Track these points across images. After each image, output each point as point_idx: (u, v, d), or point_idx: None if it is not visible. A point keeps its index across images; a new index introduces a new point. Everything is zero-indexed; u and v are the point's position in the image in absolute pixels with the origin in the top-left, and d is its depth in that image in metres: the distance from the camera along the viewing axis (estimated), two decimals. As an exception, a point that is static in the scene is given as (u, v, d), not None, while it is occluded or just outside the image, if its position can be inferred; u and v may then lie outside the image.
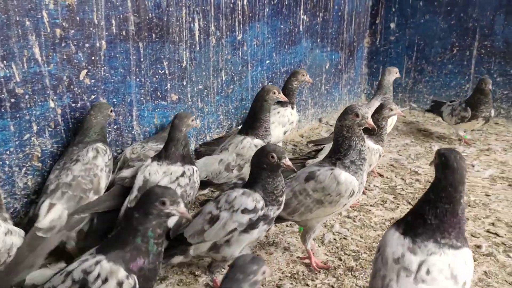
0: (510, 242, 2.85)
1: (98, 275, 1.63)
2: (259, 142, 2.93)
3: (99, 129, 2.66)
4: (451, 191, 1.70)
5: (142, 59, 3.02)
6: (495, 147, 4.63)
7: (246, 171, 2.83)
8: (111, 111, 2.73)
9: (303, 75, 3.87)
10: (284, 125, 3.78)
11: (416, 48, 6.03)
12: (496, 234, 2.95)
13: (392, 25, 6.19)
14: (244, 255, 1.52)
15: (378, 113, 3.20)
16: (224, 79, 3.83)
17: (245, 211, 2.11)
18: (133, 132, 3.08)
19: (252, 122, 3.02)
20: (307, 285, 2.46)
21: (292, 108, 3.82)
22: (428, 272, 1.66)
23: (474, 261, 2.66)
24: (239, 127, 3.33)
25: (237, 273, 1.44)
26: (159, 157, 2.58)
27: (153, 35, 3.07)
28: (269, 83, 4.44)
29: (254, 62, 4.18)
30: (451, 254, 1.69)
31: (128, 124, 3.04)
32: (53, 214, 2.29)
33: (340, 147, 2.35)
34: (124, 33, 2.86)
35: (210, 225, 2.16)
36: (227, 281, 1.45)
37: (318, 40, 5.18)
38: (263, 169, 2.14)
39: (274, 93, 3.05)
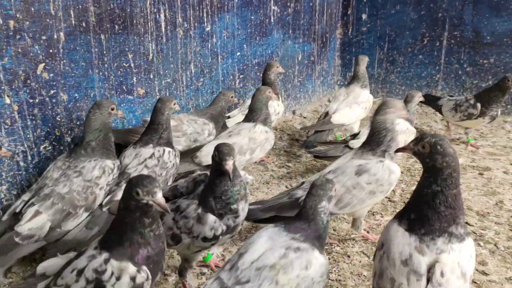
0: (480, 231, 2.87)
1: (112, 274, 1.62)
2: (267, 129, 3.25)
3: (104, 130, 2.51)
4: (456, 176, 1.68)
5: (105, 52, 2.90)
6: (466, 136, 4.68)
7: (256, 154, 3.20)
8: (112, 109, 2.54)
9: (277, 66, 3.92)
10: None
11: (387, 39, 6.04)
12: (467, 223, 2.97)
13: (364, 16, 6.18)
14: (321, 178, 1.87)
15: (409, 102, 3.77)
16: (193, 72, 3.73)
17: (205, 239, 2.03)
18: (97, 128, 2.96)
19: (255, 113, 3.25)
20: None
21: (278, 99, 3.81)
22: (442, 274, 1.60)
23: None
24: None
25: (318, 190, 1.78)
26: (138, 141, 2.69)
27: (116, 26, 2.95)
28: (240, 76, 4.37)
29: (225, 54, 4.09)
30: (458, 249, 1.64)
31: (92, 120, 2.91)
32: (35, 223, 2.18)
33: (384, 139, 2.48)
34: (84, 24, 2.73)
35: (175, 243, 2.08)
36: (311, 198, 1.78)
37: (290, 32, 5.12)
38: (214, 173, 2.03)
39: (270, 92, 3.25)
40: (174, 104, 2.75)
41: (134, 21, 3.07)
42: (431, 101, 4.74)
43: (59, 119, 2.70)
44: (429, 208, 1.68)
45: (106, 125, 2.52)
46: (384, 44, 6.06)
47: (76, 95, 2.78)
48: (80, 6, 2.68)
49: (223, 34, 4.02)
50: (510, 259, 2.58)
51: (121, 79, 3.06)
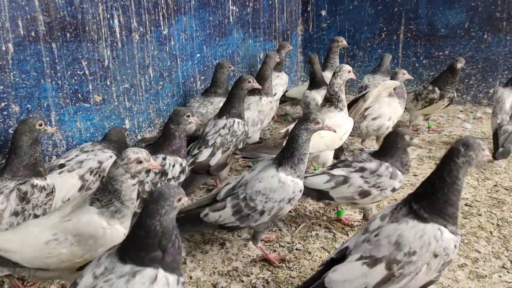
0: (434, 220, 2.99)
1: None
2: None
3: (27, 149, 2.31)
4: None
5: (57, 61, 2.85)
6: (423, 127, 4.84)
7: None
8: (39, 125, 2.36)
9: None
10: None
11: (347, 34, 6.15)
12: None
13: (323, 12, 6.27)
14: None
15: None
16: (152, 76, 3.71)
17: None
18: (53, 138, 2.92)
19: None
20: (242, 281, 2.46)
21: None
22: None
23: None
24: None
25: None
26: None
27: (68, 34, 2.90)
28: (201, 77, 4.38)
29: (184, 56, 4.09)
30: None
31: (47, 130, 2.87)
32: None
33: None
34: (33, 34, 2.68)
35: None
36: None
37: (250, 30, 5.15)
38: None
39: (250, 82, 3.41)
40: (250, 82, 3.35)
41: (87, 28, 3.03)
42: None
43: (11, 132, 2.65)
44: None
45: (34, 142, 2.33)
46: (344, 39, 6.17)
47: (29, 106, 2.73)
48: (28, 16, 2.63)
49: (181, 37, 4.01)
50: (461, 247, 2.70)
51: (76, 87, 3.02)
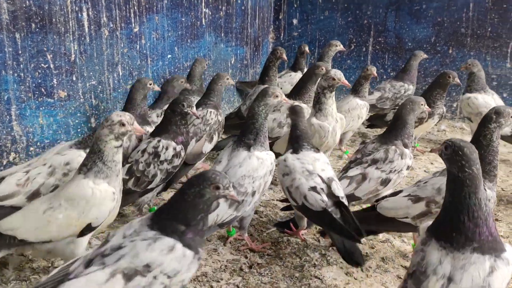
0: (404, 227, 3.01)
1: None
2: (305, 106, 3.57)
3: None
4: None
5: (20, 52, 2.69)
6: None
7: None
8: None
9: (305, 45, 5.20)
10: None
11: (317, 44, 6.22)
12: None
13: (295, 21, 6.32)
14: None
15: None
16: (121, 74, 3.58)
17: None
18: (13, 134, 2.73)
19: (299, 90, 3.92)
20: (212, 286, 2.36)
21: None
22: None
23: (372, 248, 2.77)
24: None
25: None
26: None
27: (33, 25, 2.75)
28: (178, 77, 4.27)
29: (155, 56, 3.97)
30: None
31: (6, 125, 2.69)
32: None
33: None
34: (-5, 21, 2.52)
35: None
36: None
37: (222, 35, 5.09)
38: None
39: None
40: (228, 79, 3.58)
41: (54, 20, 2.88)
42: (379, 120, 4.75)
43: (-33, 125, 2.46)
44: None
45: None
46: (315, 49, 6.24)
47: (-13, 98, 2.55)
48: (-10, 2, 2.47)
49: (153, 36, 3.90)
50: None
51: (39, 80, 2.86)
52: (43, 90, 2.89)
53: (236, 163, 2.50)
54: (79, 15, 3.07)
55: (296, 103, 3.39)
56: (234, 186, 2.38)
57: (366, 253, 2.71)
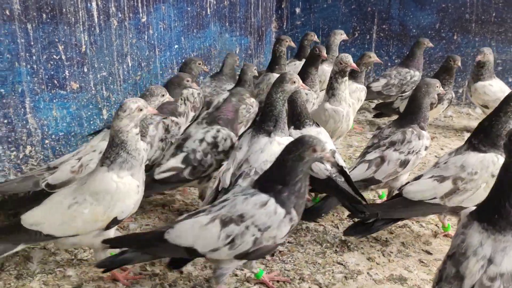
0: (421, 212, 3.01)
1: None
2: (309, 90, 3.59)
3: None
4: None
5: (32, 43, 2.65)
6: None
7: None
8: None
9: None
10: None
11: (321, 33, 6.17)
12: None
13: (298, 10, 6.27)
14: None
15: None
16: (130, 65, 3.54)
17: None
18: (28, 126, 2.70)
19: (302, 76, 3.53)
20: (236, 275, 2.35)
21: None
22: None
23: (391, 233, 2.77)
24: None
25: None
26: None
27: (44, 15, 2.70)
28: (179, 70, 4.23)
29: (162, 47, 3.93)
30: None
31: (21, 118, 2.65)
32: None
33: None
34: (7, 12, 2.47)
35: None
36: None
37: (227, 24, 5.05)
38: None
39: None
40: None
41: (64, 10, 2.84)
42: (385, 107, 4.74)
43: (-17, 117, 2.43)
44: None
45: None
46: (319, 38, 6.18)
47: (2, 90, 2.51)
48: (2, -8, 2.43)
49: (160, 26, 3.86)
50: (451, 238, 2.73)
51: (52, 72, 2.82)
52: (55, 82, 2.86)
53: (257, 149, 2.48)
54: (89, 4, 3.03)
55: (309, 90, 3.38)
56: (256, 172, 2.37)
57: (386, 238, 2.71)
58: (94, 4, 3.08)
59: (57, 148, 2.91)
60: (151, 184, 2.58)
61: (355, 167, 2.81)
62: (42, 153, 2.80)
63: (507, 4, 5.30)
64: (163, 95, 2.70)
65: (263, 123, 2.56)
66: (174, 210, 2.99)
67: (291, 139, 2.60)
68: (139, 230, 2.72)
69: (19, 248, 2.06)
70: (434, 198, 2.43)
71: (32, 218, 2.04)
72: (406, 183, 2.60)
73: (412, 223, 2.89)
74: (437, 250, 2.61)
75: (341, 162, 2.62)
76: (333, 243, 2.65)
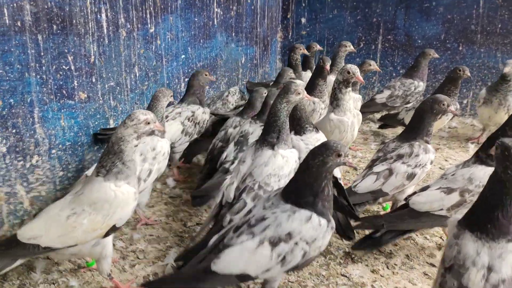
0: (426, 224, 3.01)
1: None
2: (317, 100, 3.75)
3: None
4: None
5: (42, 54, 2.69)
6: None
7: None
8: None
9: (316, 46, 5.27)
10: None
11: (326, 42, 6.22)
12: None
13: (303, 20, 6.31)
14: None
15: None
16: (137, 75, 3.58)
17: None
18: (36, 136, 2.73)
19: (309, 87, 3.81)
20: (240, 286, 2.36)
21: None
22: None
23: (395, 245, 2.77)
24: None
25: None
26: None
27: (54, 26, 2.75)
28: (186, 79, 4.26)
29: (169, 57, 3.98)
30: None
31: (29, 127, 2.69)
32: None
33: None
34: (19, 24, 2.51)
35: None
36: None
37: (233, 34, 5.09)
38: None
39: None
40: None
41: (74, 21, 2.88)
42: (390, 119, 4.72)
43: (-8, 127, 2.46)
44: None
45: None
46: (323, 48, 6.23)
47: (11, 100, 2.54)
48: (14, 4, 2.47)
49: (167, 36, 3.90)
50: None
51: (61, 82, 2.86)
52: (64, 92, 2.90)
53: (261, 162, 2.48)
54: (98, 16, 3.07)
55: (316, 100, 3.40)
56: (260, 186, 2.39)
57: (390, 250, 2.71)
58: (103, 15, 3.12)
59: (64, 158, 2.95)
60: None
61: (363, 179, 2.83)
62: (49, 162, 2.83)
63: (513, 15, 5.32)
64: (171, 96, 2.98)
65: (266, 134, 2.56)
66: (178, 221, 3.01)
67: (294, 151, 2.63)
68: (142, 241, 2.74)
69: (18, 263, 2.07)
70: (441, 209, 2.46)
71: (29, 232, 2.05)
72: (413, 193, 2.64)
73: (416, 235, 2.89)
74: (441, 263, 2.60)
75: (337, 173, 2.64)
76: (336, 255, 2.65)
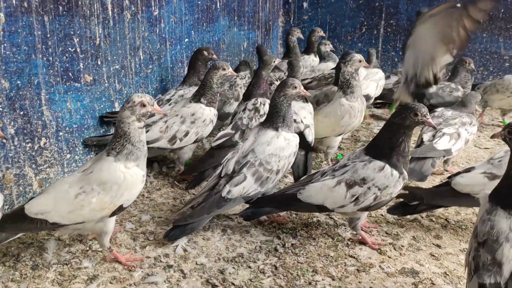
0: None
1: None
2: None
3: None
4: None
5: (48, 35, 2.66)
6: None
7: None
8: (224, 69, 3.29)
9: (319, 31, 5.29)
10: None
11: (328, 27, 6.18)
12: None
13: (305, 4, 6.27)
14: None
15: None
16: (142, 58, 3.56)
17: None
18: (43, 119, 2.72)
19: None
20: (250, 267, 2.39)
21: None
22: None
23: (402, 227, 2.80)
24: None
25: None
26: None
27: (60, 7, 2.72)
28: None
29: (173, 40, 3.95)
30: None
31: (36, 110, 2.67)
32: None
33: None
34: (26, 4, 2.49)
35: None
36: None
37: (236, 18, 5.06)
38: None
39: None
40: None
41: (79, 2, 2.85)
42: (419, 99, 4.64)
43: (0, 109, 2.45)
44: None
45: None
46: (325, 32, 6.19)
47: (19, 82, 2.53)
48: (20, -16, 2.44)
49: (171, 19, 3.87)
50: (461, 232, 2.76)
51: (67, 65, 2.84)
52: (70, 74, 2.88)
53: (264, 141, 2.59)
54: (103, -2, 3.04)
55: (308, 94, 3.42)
56: (261, 163, 2.54)
57: (397, 232, 2.74)
58: (108, -3, 3.09)
59: (71, 140, 2.94)
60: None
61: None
62: (56, 145, 2.82)
63: (516, 0, 5.30)
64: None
65: (271, 119, 2.66)
66: (185, 203, 3.02)
67: (296, 136, 2.74)
68: (151, 222, 2.75)
69: (19, 235, 2.16)
70: None
71: (37, 207, 2.08)
72: (457, 173, 2.69)
73: (422, 217, 2.92)
74: (447, 244, 2.64)
75: (311, 138, 3.05)
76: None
